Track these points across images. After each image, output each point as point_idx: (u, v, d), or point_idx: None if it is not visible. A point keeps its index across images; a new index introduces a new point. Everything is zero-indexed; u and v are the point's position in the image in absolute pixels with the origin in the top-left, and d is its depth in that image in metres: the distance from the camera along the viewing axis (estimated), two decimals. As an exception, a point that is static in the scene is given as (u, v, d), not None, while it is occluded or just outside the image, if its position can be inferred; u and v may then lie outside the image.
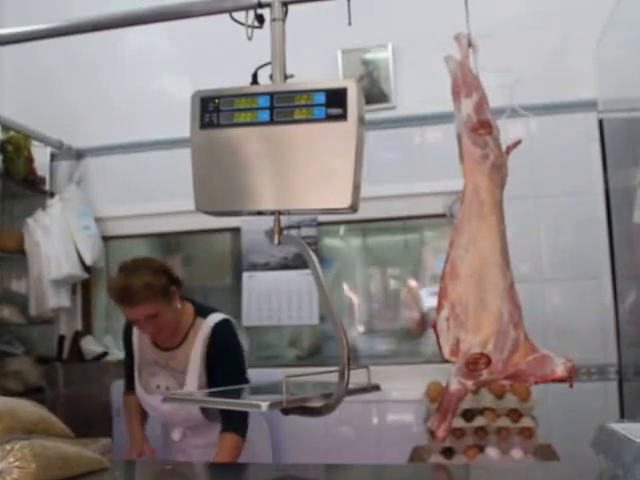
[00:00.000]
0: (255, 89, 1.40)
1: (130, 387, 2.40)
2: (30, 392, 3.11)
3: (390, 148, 3.29)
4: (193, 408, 2.19)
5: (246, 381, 2.24)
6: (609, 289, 2.99)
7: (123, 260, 2.23)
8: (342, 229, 3.57)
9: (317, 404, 1.33)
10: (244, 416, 2.17)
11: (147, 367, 2.32)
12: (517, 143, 1.48)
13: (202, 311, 2.31)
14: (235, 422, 2.15)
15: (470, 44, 1.49)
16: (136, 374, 2.34)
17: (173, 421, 2.30)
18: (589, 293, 3.01)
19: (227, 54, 2.67)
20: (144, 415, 2.40)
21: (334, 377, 1.30)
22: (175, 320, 2.23)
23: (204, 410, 2.21)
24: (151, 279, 2.13)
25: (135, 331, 2.36)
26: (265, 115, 1.36)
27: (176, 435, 2.27)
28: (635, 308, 2.71)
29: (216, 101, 1.39)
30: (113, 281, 2.20)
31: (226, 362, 2.23)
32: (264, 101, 1.37)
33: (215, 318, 2.28)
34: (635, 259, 2.68)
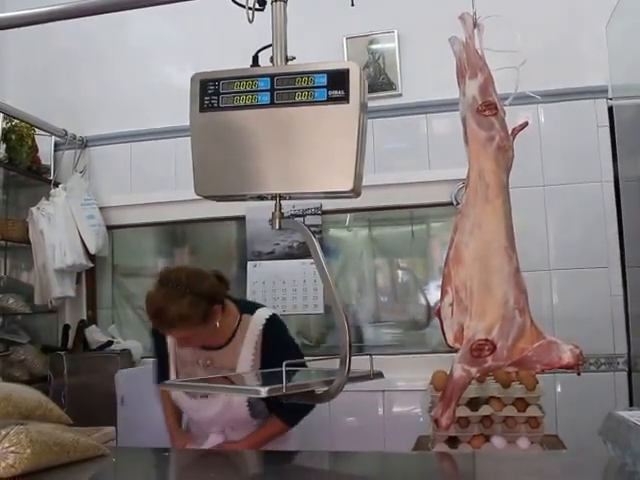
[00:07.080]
0: (255, 71, 1.37)
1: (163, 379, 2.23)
2: (35, 381, 3.12)
3: (396, 136, 3.26)
4: (240, 409, 2.11)
5: None
6: (618, 278, 2.95)
7: (163, 272, 2.07)
8: (348, 219, 3.54)
9: (317, 391, 1.31)
10: (301, 412, 2.13)
11: (186, 369, 2.18)
12: (524, 125, 1.45)
13: (248, 308, 2.22)
14: (291, 416, 2.13)
15: (475, 24, 1.45)
16: (172, 376, 2.20)
17: (215, 422, 2.17)
18: (598, 282, 2.97)
19: (231, 41, 2.64)
20: (179, 410, 2.30)
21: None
22: (212, 334, 2.10)
23: (252, 409, 2.12)
24: (188, 310, 1.95)
25: None
26: (266, 97, 1.33)
27: (215, 436, 2.16)
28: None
29: (216, 84, 1.36)
30: (151, 294, 2.01)
31: (286, 356, 2.14)
32: (264, 83, 1.33)
33: (264, 314, 2.20)
34: (645, 248, 2.64)
